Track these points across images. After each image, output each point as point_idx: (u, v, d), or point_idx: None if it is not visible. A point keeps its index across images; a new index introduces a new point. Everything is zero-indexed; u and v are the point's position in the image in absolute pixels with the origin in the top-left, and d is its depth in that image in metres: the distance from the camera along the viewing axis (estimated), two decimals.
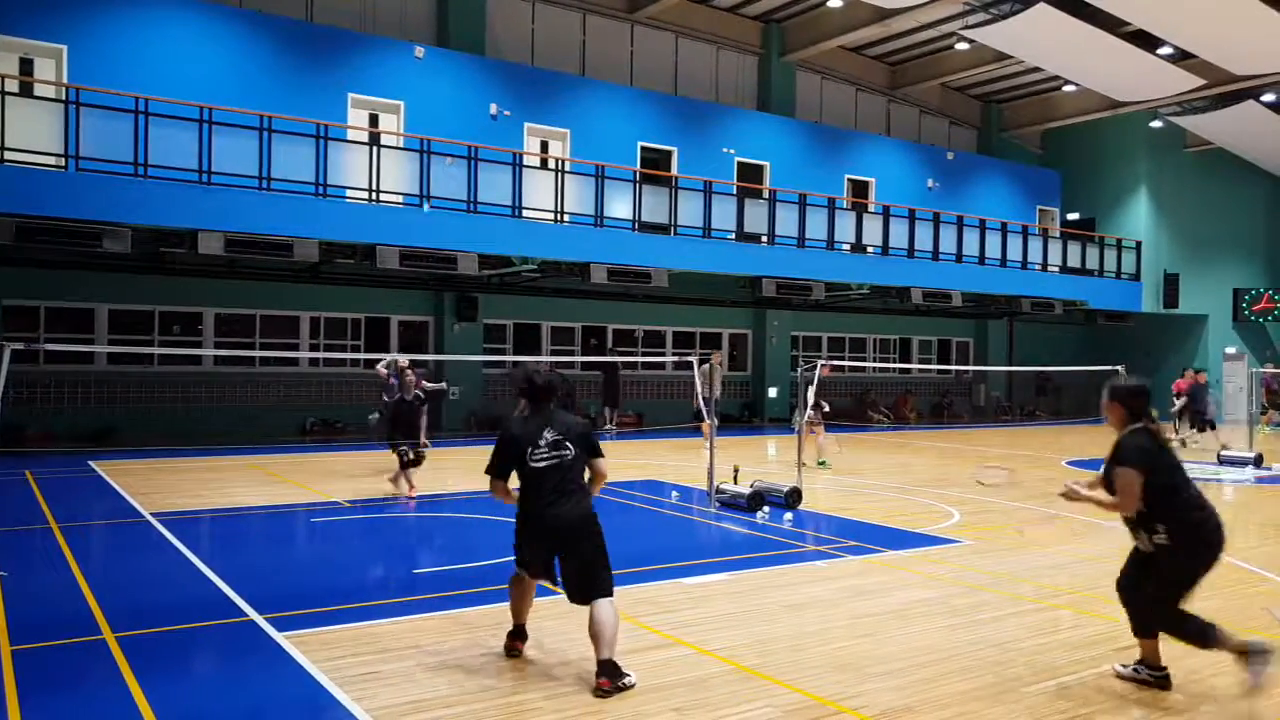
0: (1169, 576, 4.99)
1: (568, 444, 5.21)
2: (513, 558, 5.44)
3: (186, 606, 6.72)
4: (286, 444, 17.48)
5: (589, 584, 5.10)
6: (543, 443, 5.17)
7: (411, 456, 11.34)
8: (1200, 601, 6.98)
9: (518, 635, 5.52)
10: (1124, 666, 5.29)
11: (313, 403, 19.59)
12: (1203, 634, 4.93)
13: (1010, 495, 12.40)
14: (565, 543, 5.17)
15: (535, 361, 20.91)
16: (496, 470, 5.27)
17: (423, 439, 11.62)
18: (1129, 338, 29.95)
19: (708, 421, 11.07)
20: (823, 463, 15.01)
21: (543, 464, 5.16)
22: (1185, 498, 4.99)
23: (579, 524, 5.16)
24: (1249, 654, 4.80)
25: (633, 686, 4.94)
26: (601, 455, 5.34)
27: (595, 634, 4.98)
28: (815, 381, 16.13)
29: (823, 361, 16.33)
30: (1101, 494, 5.10)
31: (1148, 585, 5.09)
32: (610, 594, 5.11)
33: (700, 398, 14.45)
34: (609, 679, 4.89)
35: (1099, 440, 20.77)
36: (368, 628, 5.97)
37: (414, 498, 11.28)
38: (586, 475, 5.33)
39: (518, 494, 5.30)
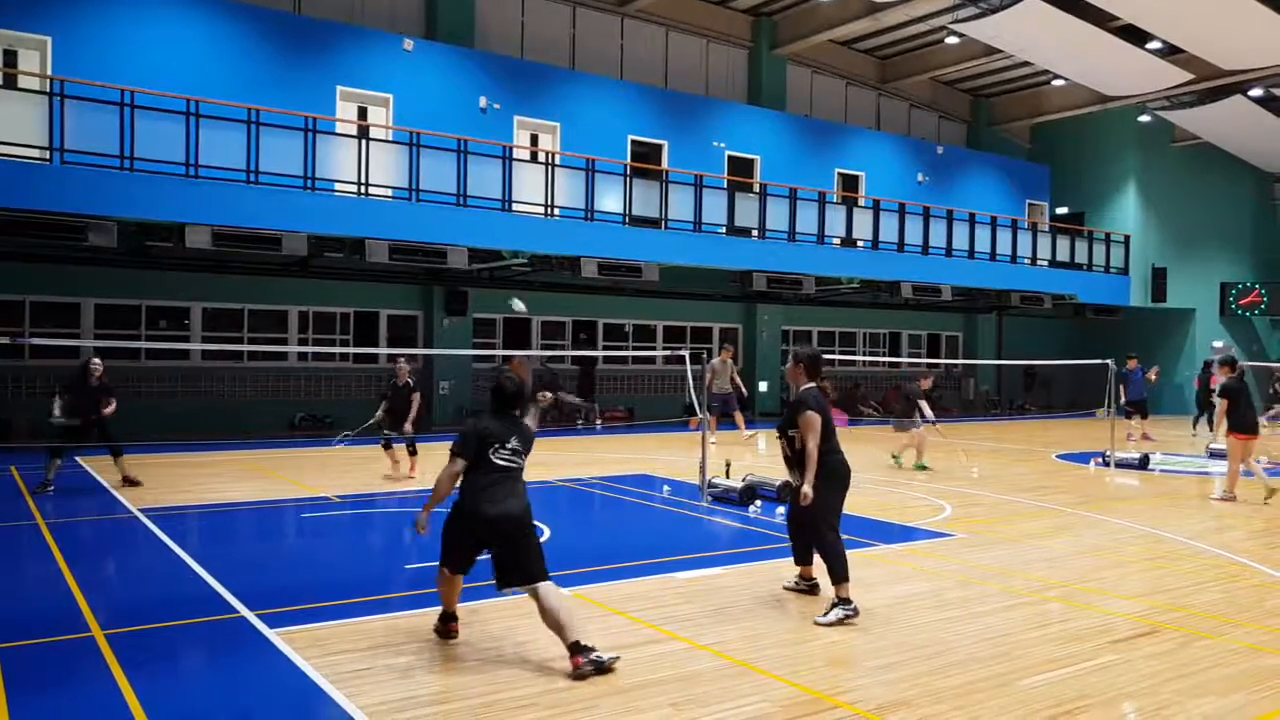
0: (819, 507, 6.24)
1: (523, 454, 5.62)
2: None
3: (176, 603, 6.67)
4: (275, 439, 17.39)
5: (529, 567, 5.34)
6: (508, 446, 5.53)
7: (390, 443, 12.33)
8: (1194, 595, 7.05)
9: (452, 619, 5.77)
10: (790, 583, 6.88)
11: (301, 398, 19.49)
12: (842, 556, 6.25)
13: (998, 488, 12.43)
14: (507, 537, 5.40)
15: (525, 355, 20.88)
16: (463, 452, 5.44)
17: (405, 426, 12.35)
18: (1117, 332, 30.07)
19: (700, 416, 11.04)
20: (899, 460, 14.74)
21: (503, 463, 5.50)
22: (832, 444, 6.35)
23: (522, 519, 5.47)
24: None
25: (614, 661, 5.10)
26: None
27: (551, 622, 5.21)
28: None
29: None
30: (810, 451, 6.21)
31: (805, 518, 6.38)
32: (548, 577, 5.36)
33: (706, 391, 14.75)
34: (581, 656, 5.04)
35: (1091, 434, 20.94)
36: (359, 624, 5.94)
37: (395, 477, 12.24)
38: None
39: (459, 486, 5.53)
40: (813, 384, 6.50)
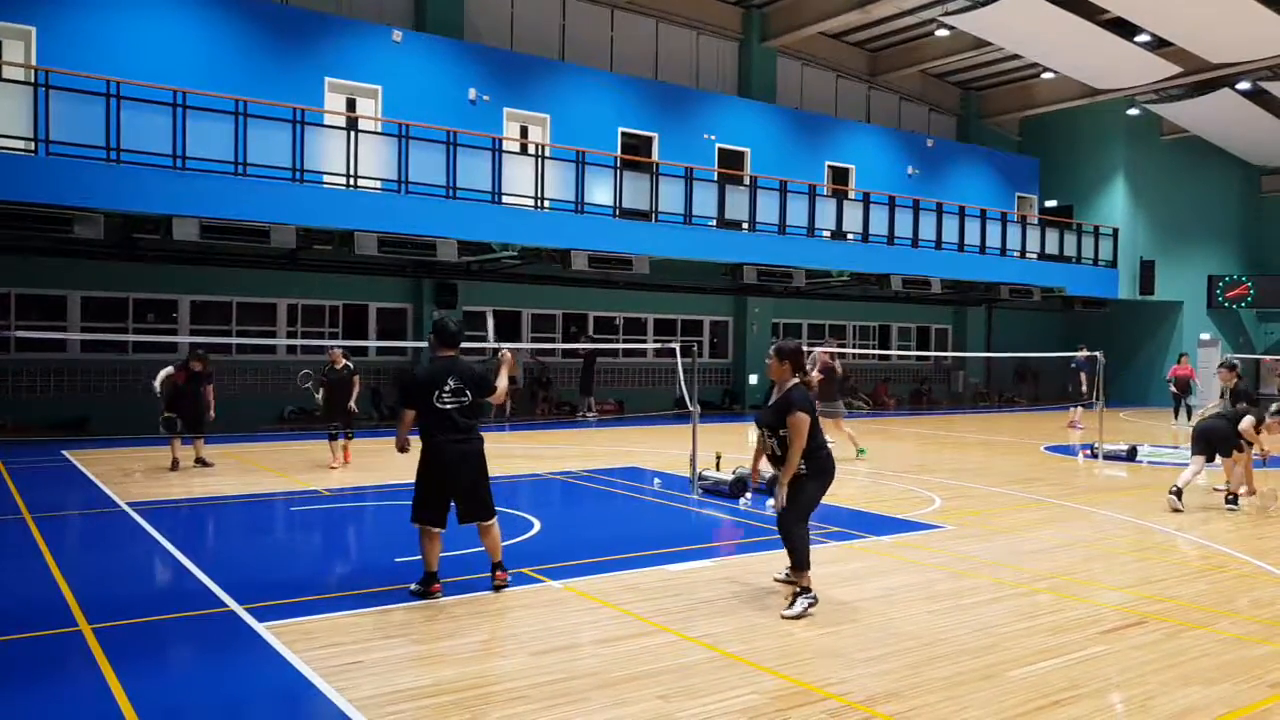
0: (797, 495, 6.14)
1: (467, 391, 6.24)
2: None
3: (164, 597, 6.64)
4: (264, 433, 17.32)
5: (479, 507, 6.39)
6: (448, 388, 6.17)
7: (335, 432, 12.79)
8: (1182, 585, 7.08)
9: (434, 580, 6.35)
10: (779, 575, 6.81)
11: (290, 391, 19.39)
12: (807, 545, 6.18)
13: (987, 480, 12.48)
14: (461, 474, 6.25)
15: (515, 348, 20.82)
16: (408, 402, 6.36)
17: (350, 405, 12.84)
18: (1105, 324, 30.21)
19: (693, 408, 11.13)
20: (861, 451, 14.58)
21: (447, 406, 6.19)
22: (819, 439, 6.22)
23: (474, 458, 6.32)
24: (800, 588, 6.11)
25: (510, 576, 6.51)
26: (494, 391, 6.50)
27: (488, 545, 6.47)
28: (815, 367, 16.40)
29: (822, 348, 16.49)
30: (793, 453, 6.05)
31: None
32: (494, 516, 6.45)
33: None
34: (504, 572, 6.51)
35: (1079, 427, 20.97)
36: (349, 617, 5.91)
37: (335, 467, 12.61)
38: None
39: (416, 436, 6.31)
40: (796, 380, 6.24)
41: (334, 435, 12.82)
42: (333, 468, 12.63)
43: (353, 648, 5.32)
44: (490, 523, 6.44)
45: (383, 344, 20.09)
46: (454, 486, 6.28)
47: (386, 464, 12.80)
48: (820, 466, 6.19)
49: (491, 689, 4.75)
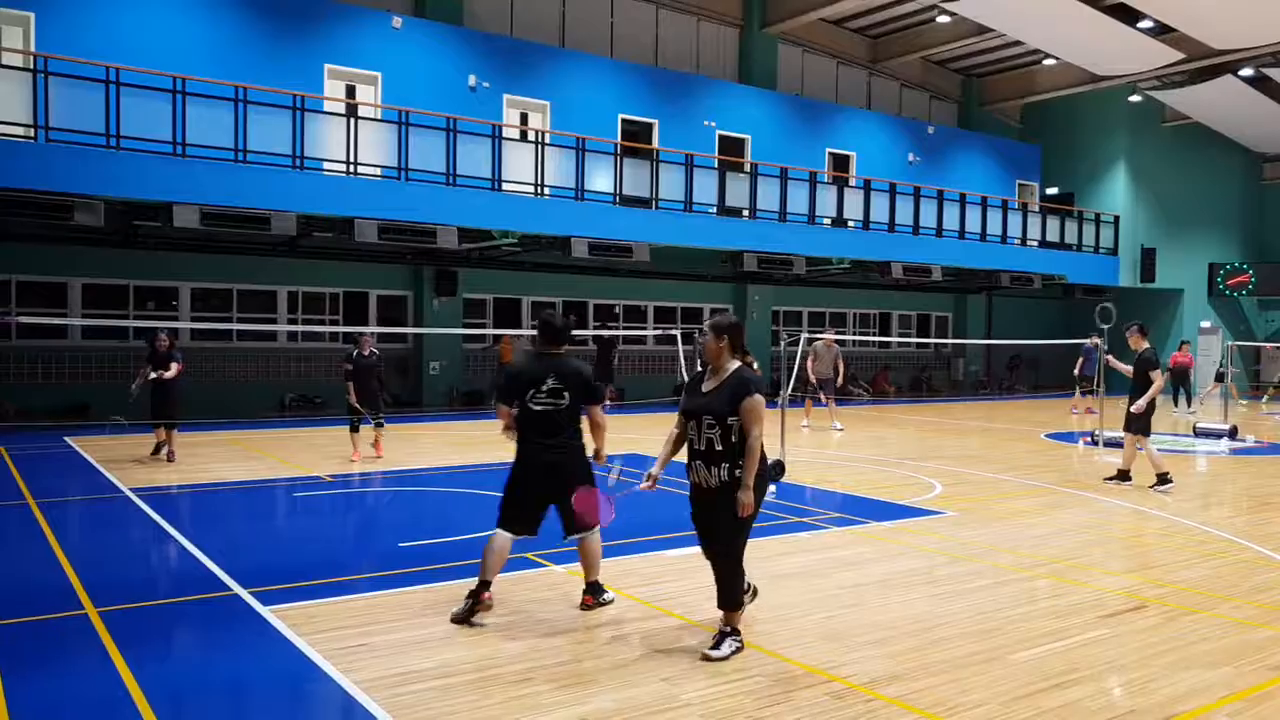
0: (735, 512, 5.01)
1: (565, 392, 5.58)
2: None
3: (169, 581, 6.68)
4: (265, 419, 17.34)
5: (572, 518, 5.66)
6: (544, 388, 5.57)
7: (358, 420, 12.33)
8: (1183, 570, 7.11)
9: (486, 589, 5.58)
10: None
11: (291, 378, 19.42)
12: (743, 578, 5.27)
13: (988, 467, 12.51)
14: (547, 484, 5.60)
15: (515, 335, 20.85)
16: (501, 398, 5.81)
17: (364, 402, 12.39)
18: (1106, 312, 30.16)
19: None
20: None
21: (539, 408, 5.58)
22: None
23: (562, 469, 5.60)
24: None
25: (611, 602, 5.85)
26: (599, 401, 5.73)
27: (584, 562, 5.83)
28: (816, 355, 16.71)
29: (825, 337, 16.69)
30: (754, 442, 5.00)
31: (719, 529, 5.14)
32: (595, 526, 5.74)
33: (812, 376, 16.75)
34: (592, 597, 5.81)
35: (1080, 414, 20.99)
36: (353, 601, 5.94)
37: (355, 460, 12.20)
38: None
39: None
40: (739, 361, 5.23)
41: (355, 426, 12.38)
42: (353, 460, 12.10)
43: (358, 631, 5.35)
44: (584, 535, 5.74)
45: (383, 330, 20.09)
46: (541, 494, 5.61)
47: (388, 451, 12.79)
48: (762, 474, 5.15)
49: (497, 671, 4.78)
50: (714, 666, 4.87)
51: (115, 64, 14.49)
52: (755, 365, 5.35)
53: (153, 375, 11.71)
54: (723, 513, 5.04)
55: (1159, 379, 10.81)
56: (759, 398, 5.03)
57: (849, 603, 6.07)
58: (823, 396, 17.12)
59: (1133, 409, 10.77)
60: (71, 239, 16.15)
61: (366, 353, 12.27)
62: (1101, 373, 15.45)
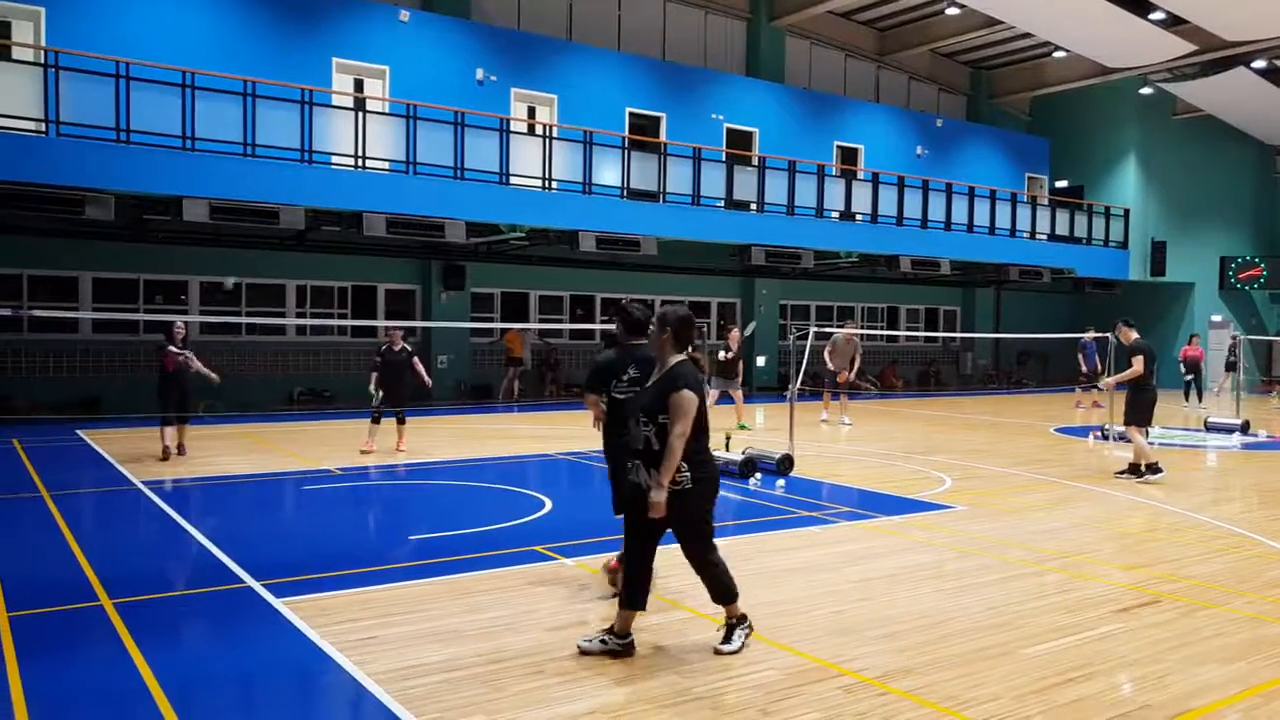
0: (688, 517, 4.92)
1: (644, 383, 5.44)
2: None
3: (182, 573, 6.70)
4: (274, 413, 17.39)
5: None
6: (626, 377, 5.80)
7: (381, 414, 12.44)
8: (1196, 565, 7.09)
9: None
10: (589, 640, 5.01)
11: (300, 372, 19.46)
12: (728, 572, 5.12)
13: (997, 461, 12.48)
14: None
15: (522, 329, 20.86)
16: (591, 387, 6.13)
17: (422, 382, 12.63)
18: (1116, 306, 30.06)
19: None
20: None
21: (621, 396, 5.82)
22: (703, 442, 4.95)
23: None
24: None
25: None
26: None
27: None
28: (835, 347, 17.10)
29: (845, 331, 16.74)
30: (676, 434, 4.73)
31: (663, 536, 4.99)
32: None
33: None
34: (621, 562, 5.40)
35: (1090, 408, 20.93)
36: (364, 593, 5.96)
37: (366, 451, 12.26)
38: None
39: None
40: (683, 356, 4.99)
41: (377, 418, 12.39)
42: (364, 452, 12.14)
43: (369, 623, 5.36)
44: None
45: (391, 324, 20.11)
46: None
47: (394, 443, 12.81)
48: (708, 473, 4.95)
49: (508, 664, 4.79)
50: (724, 659, 4.88)
51: (125, 58, 14.52)
52: (703, 363, 5.11)
53: (180, 357, 11.64)
54: (674, 519, 4.86)
55: (1137, 363, 11.05)
56: (687, 393, 4.76)
57: (859, 597, 6.07)
58: (838, 389, 17.31)
59: (1101, 384, 11.14)
60: (82, 233, 16.21)
61: (397, 348, 12.33)
62: (1112, 364, 15.37)
